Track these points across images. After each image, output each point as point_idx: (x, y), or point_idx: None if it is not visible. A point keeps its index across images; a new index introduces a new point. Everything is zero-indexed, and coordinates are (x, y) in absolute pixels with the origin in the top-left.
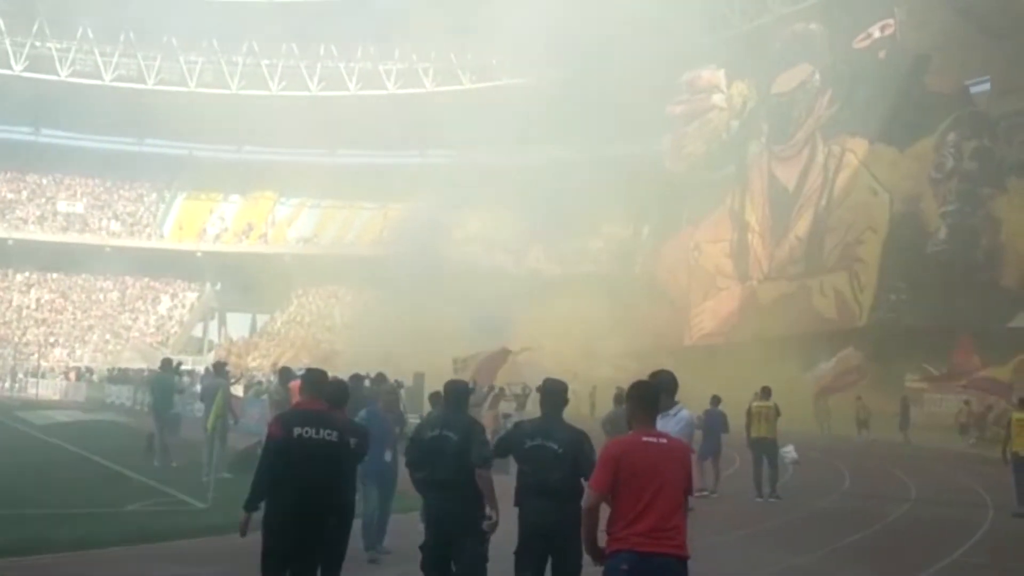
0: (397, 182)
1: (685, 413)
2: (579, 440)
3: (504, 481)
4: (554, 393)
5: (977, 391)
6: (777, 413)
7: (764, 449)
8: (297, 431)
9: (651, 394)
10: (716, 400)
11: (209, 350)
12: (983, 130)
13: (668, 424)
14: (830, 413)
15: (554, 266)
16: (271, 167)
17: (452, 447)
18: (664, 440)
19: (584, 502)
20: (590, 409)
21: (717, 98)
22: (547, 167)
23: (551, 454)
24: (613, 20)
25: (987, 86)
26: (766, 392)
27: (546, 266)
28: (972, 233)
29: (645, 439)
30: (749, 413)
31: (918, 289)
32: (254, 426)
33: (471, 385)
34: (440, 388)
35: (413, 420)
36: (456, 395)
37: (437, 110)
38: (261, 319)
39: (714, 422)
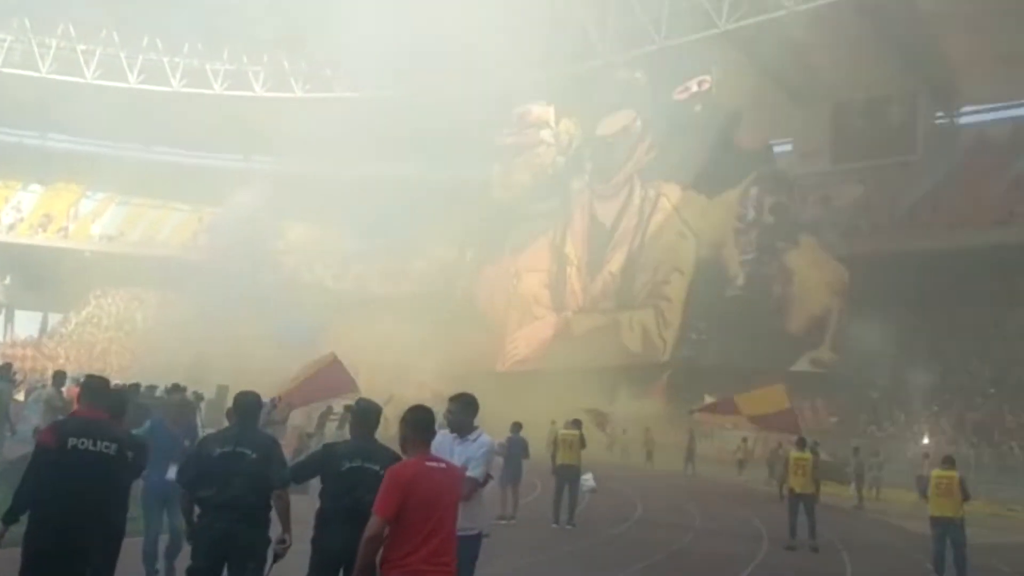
0: (215, 184)
1: (486, 438)
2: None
3: (299, 503)
4: (368, 413)
5: (766, 429)
6: (583, 443)
7: (567, 476)
8: (72, 441)
9: (426, 419)
10: (517, 427)
11: None
12: (782, 188)
13: (468, 449)
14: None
15: (375, 284)
16: (78, 157)
17: (248, 465)
18: (444, 465)
19: (369, 529)
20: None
21: (545, 133)
22: (375, 183)
23: (372, 476)
24: (451, 46)
25: (789, 147)
26: (576, 422)
27: (367, 283)
28: (766, 281)
29: (429, 464)
30: (555, 441)
31: (716, 330)
32: (32, 433)
33: (271, 401)
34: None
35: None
36: (248, 408)
37: (265, 115)
38: (54, 318)
39: (516, 448)
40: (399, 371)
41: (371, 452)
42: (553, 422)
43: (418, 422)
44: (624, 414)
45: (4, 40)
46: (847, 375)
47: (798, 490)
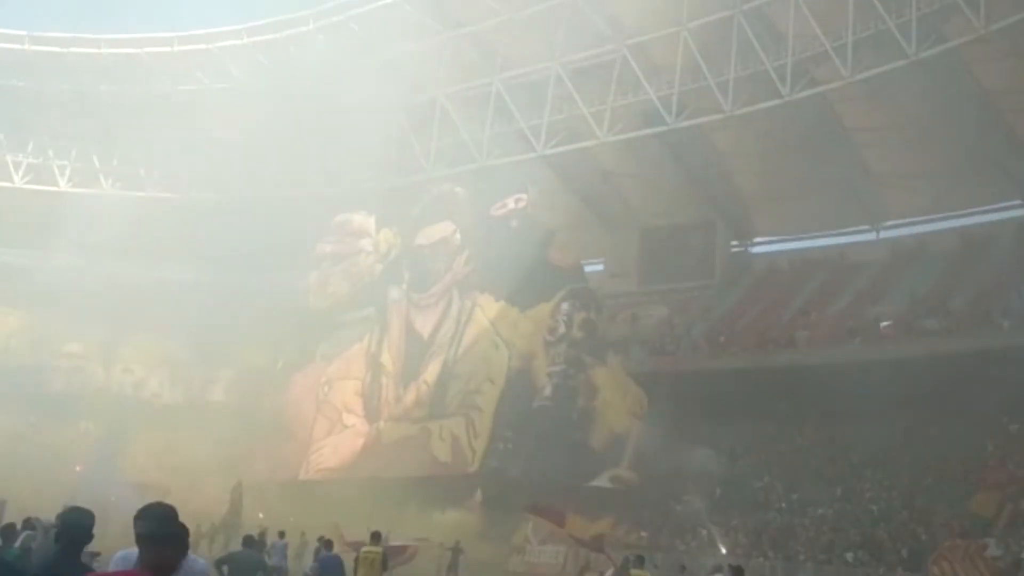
0: (14, 284)
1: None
2: None
3: None
4: (76, 526)
5: (579, 546)
6: (384, 562)
7: None
8: None
9: (160, 526)
10: (328, 544)
11: None
12: (591, 305)
13: None
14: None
15: (178, 392)
16: None
17: None
18: None
19: None
20: (208, 546)
21: (365, 242)
22: (183, 287)
23: None
24: (272, 153)
25: (600, 267)
26: (375, 538)
27: (169, 392)
28: (572, 394)
29: None
30: (357, 559)
31: (523, 440)
32: None
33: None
34: (25, 518)
35: None
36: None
37: (70, 211)
38: None
39: (330, 568)
40: (194, 485)
41: (66, 571)
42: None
43: (145, 524)
44: (430, 526)
45: None
46: (648, 491)
47: None
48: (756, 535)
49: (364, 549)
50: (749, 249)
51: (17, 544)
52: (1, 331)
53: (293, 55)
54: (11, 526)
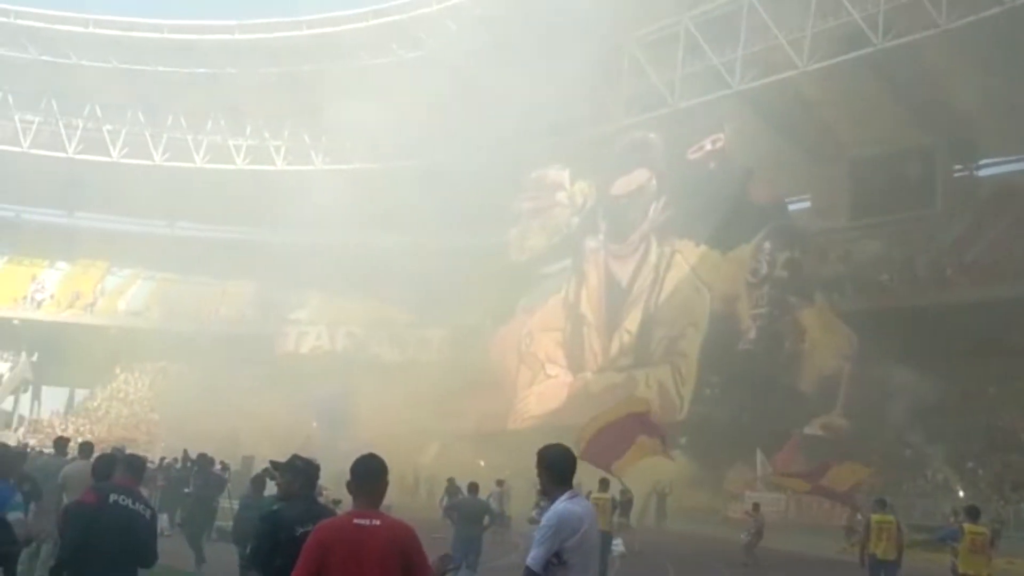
0: (240, 259)
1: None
2: None
3: None
4: (307, 471)
5: (822, 497)
6: (613, 507)
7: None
8: (113, 497)
9: (370, 469)
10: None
11: (19, 426)
12: (795, 243)
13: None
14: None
15: (395, 353)
16: (104, 235)
17: None
18: (377, 522)
19: None
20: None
21: (560, 196)
22: (394, 254)
23: None
24: (468, 116)
25: (807, 204)
26: (603, 484)
27: (388, 352)
28: (778, 337)
29: (356, 521)
30: None
31: (729, 385)
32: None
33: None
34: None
35: None
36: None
37: (287, 188)
38: (80, 394)
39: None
40: (416, 437)
41: (319, 513)
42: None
43: (358, 473)
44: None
45: (32, 122)
46: (872, 434)
47: (880, 556)
48: (997, 478)
49: (593, 495)
50: (975, 172)
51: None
52: (237, 302)
53: (480, 17)
54: (260, 477)
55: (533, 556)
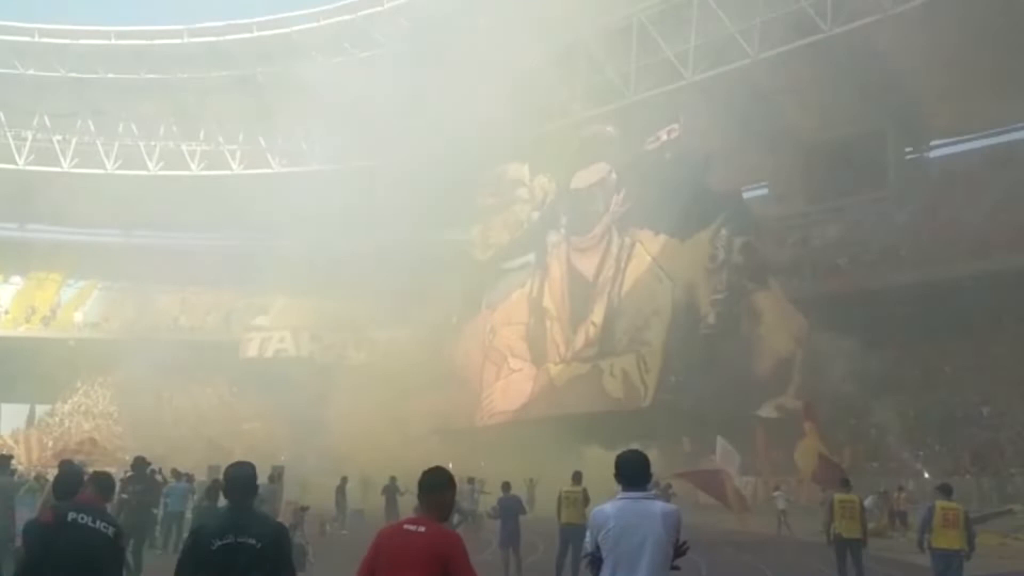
0: (198, 265)
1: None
2: (278, 533)
3: None
4: (241, 479)
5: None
6: (586, 499)
7: (570, 535)
8: (72, 516)
9: (430, 482)
10: (507, 487)
11: None
12: (750, 228)
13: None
14: None
15: (363, 354)
16: (58, 247)
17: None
18: (422, 529)
19: None
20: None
21: (521, 191)
22: (357, 255)
23: (247, 552)
24: (425, 114)
25: (765, 190)
26: (576, 477)
27: (355, 354)
28: (735, 321)
29: (406, 527)
30: (559, 498)
31: (692, 371)
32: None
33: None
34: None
35: None
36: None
37: (244, 193)
38: (42, 409)
39: (509, 509)
40: (389, 437)
41: (244, 524)
42: (531, 480)
43: (422, 484)
44: (600, 462)
45: None
46: (834, 414)
47: (844, 535)
48: (958, 453)
49: (565, 489)
50: (925, 154)
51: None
52: (197, 309)
53: (433, 14)
54: (214, 487)
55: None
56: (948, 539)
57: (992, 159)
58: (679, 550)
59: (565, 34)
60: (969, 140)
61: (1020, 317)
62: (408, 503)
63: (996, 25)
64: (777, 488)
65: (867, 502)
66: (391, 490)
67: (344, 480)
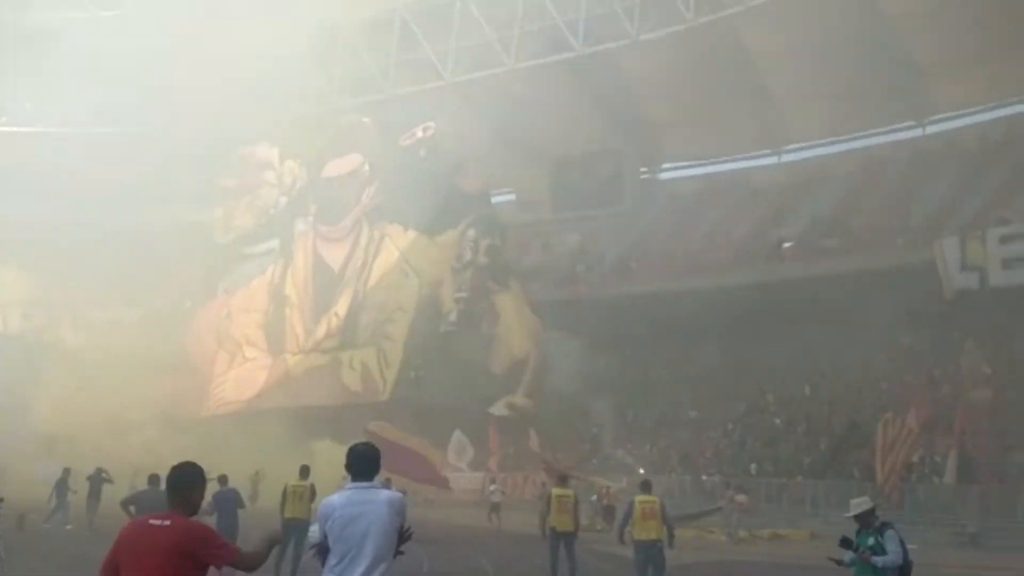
0: None
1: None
2: None
3: None
4: None
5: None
6: (312, 494)
7: (292, 530)
8: None
9: (178, 478)
10: (224, 479)
11: None
12: (496, 230)
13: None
14: None
15: (80, 336)
16: None
17: None
18: (168, 523)
19: None
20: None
21: (269, 175)
22: (77, 227)
23: None
24: (171, 84)
25: (512, 196)
26: (304, 471)
27: (71, 335)
28: (476, 319)
29: (151, 522)
30: (284, 492)
31: (431, 367)
32: None
33: None
34: None
35: None
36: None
37: None
38: None
39: (225, 503)
40: (113, 427)
41: None
42: (257, 472)
43: (169, 479)
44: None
45: None
46: (560, 414)
47: (559, 528)
48: (666, 453)
49: (291, 483)
50: (657, 175)
51: None
52: None
53: None
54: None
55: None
56: (647, 530)
57: (710, 186)
58: (404, 536)
59: (325, 19)
60: (694, 167)
61: (724, 330)
62: (113, 493)
63: (710, 62)
64: (493, 482)
65: (593, 499)
66: (96, 480)
67: (67, 472)
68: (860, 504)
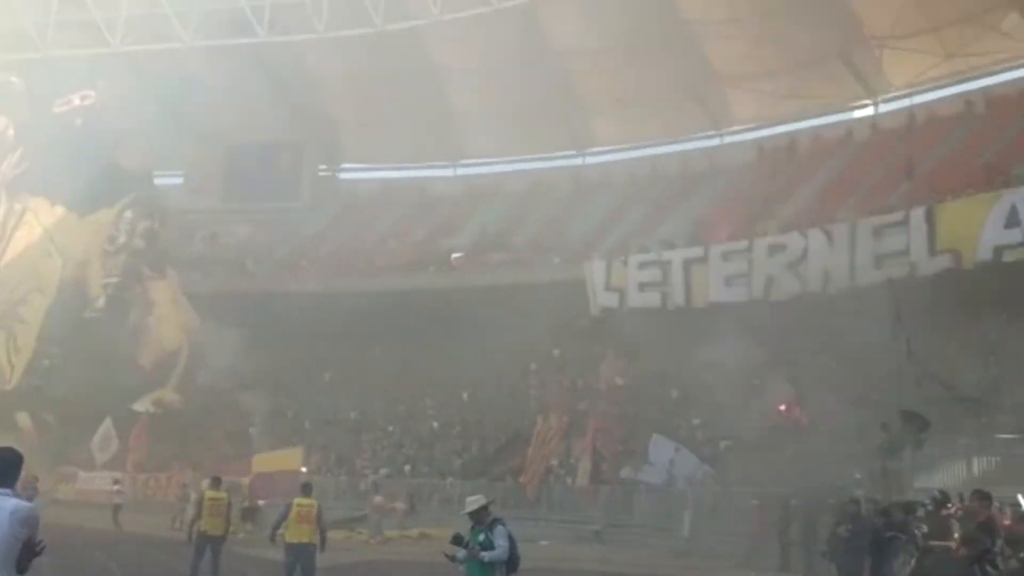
0: None
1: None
2: None
3: None
4: None
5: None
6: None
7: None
8: None
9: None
10: None
11: None
12: (156, 213)
13: None
14: None
15: None
16: None
17: None
18: None
19: None
20: None
21: None
22: None
23: None
24: None
25: (180, 180)
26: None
27: None
28: (126, 307)
29: None
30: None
31: (71, 355)
32: None
33: None
34: None
35: None
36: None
37: None
38: None
39: None
40: None
41: None
42: None
43: None
44: None
45: None
46: (218, 412)
47: (209, 532)
48: (326, 452)
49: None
50: (337, 174)
51: None
52: None
53: None
54: None
55: None
56: (300, 533)
57: (388, 190)
58: (32, 550)
59: None
60: (373, 169)
61: (391, 334)
62: None
63: (396, 69)
64: (116, 482)
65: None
66: None
67: None
68: (474, 502)
